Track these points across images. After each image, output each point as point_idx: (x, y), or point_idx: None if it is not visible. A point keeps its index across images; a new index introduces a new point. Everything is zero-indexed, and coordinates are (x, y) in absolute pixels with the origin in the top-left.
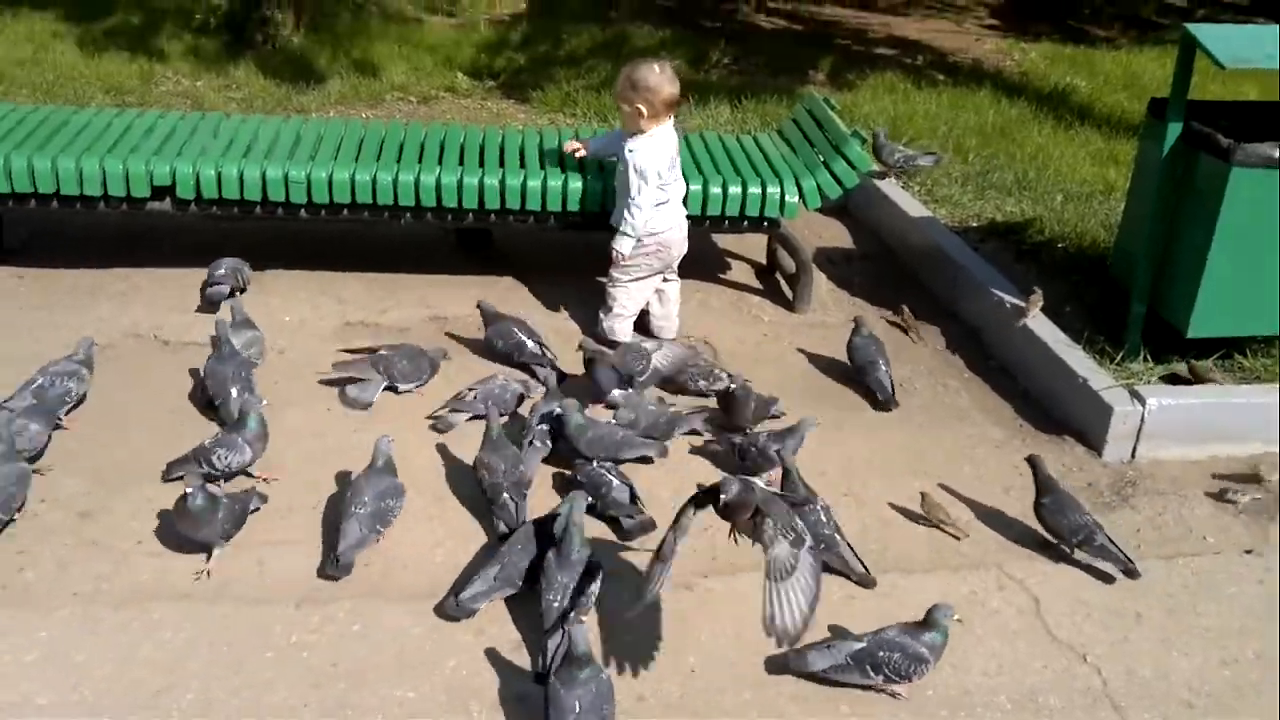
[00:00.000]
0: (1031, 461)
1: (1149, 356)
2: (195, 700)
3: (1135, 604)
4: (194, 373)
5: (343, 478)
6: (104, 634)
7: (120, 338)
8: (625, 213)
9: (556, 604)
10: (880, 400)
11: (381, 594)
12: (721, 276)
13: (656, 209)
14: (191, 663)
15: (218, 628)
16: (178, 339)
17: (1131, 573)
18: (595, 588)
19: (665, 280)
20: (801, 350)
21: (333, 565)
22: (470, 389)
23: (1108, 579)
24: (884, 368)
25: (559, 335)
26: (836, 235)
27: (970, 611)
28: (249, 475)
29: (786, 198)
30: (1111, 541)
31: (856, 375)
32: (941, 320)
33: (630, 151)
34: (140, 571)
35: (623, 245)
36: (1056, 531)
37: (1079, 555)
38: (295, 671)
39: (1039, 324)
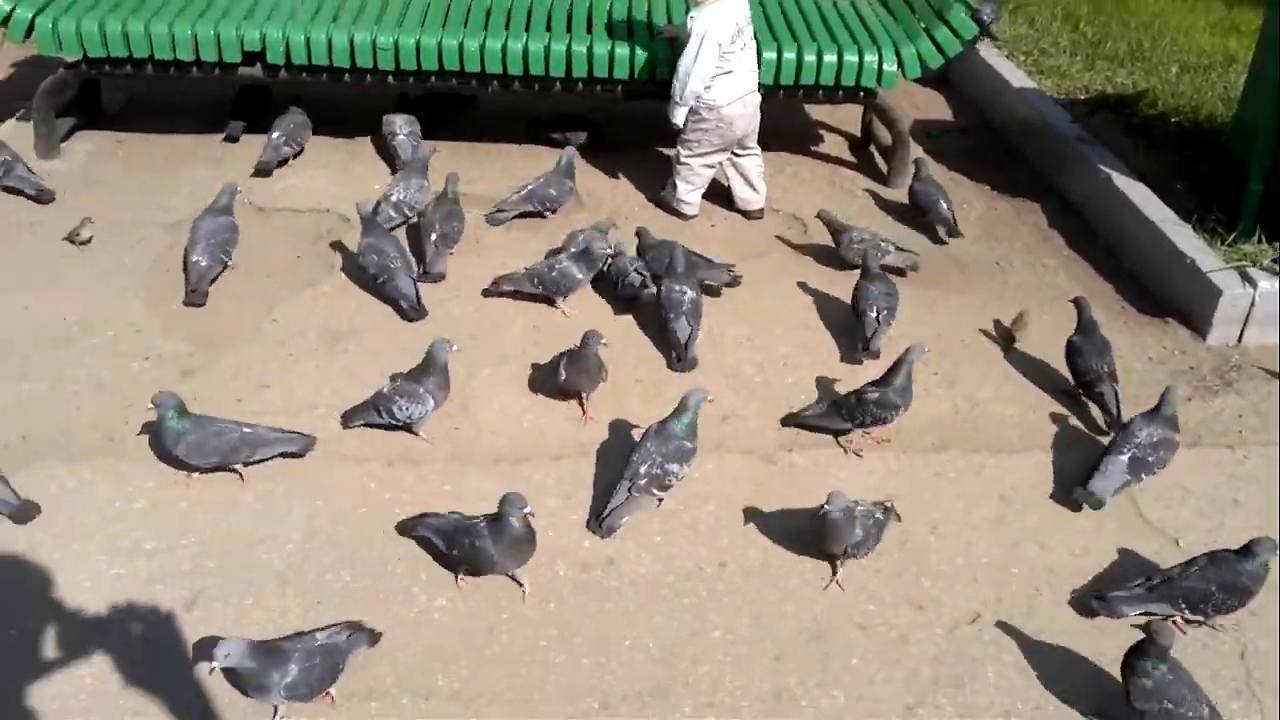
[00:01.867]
0: (1077, 303)
1: (1264, 238)
2: (294, 550)
3: (1234, 491)
4: (287, 237)
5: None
6: (207, 485)
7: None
8: (675, 81)
9: (642, 469)
10: (944, 233)
11: (470, 458)
12: (814, 149)
13: (716, 80)
14: (291, 515)
15: (315, 483)
16: (271, 205)
17: (1113, 424)
18: (683, 469)
19: (737, 155)
20: (890, 225)
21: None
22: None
23: (1209, 463)
24: (945, 205)
25: (630, 205)
26: (934, 106)
27: (1062, 491)
28: (411, 432)
29: (885, 66)
30: (1116, 396)
31: (921, 217)
32: (1042, 196)
33: (691, 19)
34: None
35: (675, 115)
36: (1072, 368)
37: (1083, 398)
38: (388, 527)
39: (1147, 202)
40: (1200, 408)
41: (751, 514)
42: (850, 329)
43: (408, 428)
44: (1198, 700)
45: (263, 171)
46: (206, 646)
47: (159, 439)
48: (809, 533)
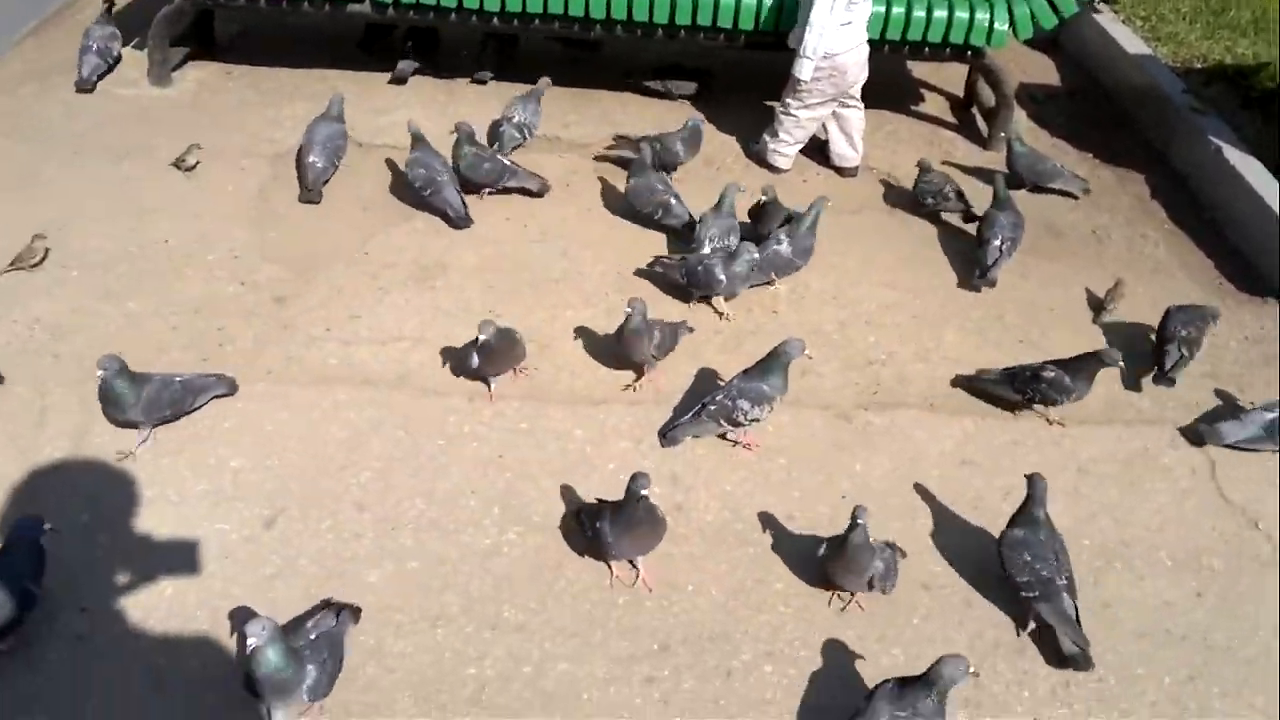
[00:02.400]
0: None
1: None
2: (373, 478)
3: None
4: (384, 173)
5: (518, 270)
6: (293, 410)
7: None
8: (805, 33)
9: (717, 398)
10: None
11: (550, 396)
12: (914, 108)
13: (839, 30)
14: (372, 443)
15: (397, 413)
16: (370, 140)
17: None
18: (757, 410)
19: (842, 108)
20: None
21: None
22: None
23: None
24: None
25: (724, 156)
26: (1042, 70)
27: (1141, 467)
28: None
29: (995, 25)
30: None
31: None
32: (1148, 166)
33: None
34: (328, 356)
35: (802, 70)
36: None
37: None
38: (465, 460)
39: (1259, 177)
40: None
41: (823, 469)
42: (970, 258)
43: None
44: (1059, 567)
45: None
46: (240, 616)
47: (108, 403)
48: (821, 565)
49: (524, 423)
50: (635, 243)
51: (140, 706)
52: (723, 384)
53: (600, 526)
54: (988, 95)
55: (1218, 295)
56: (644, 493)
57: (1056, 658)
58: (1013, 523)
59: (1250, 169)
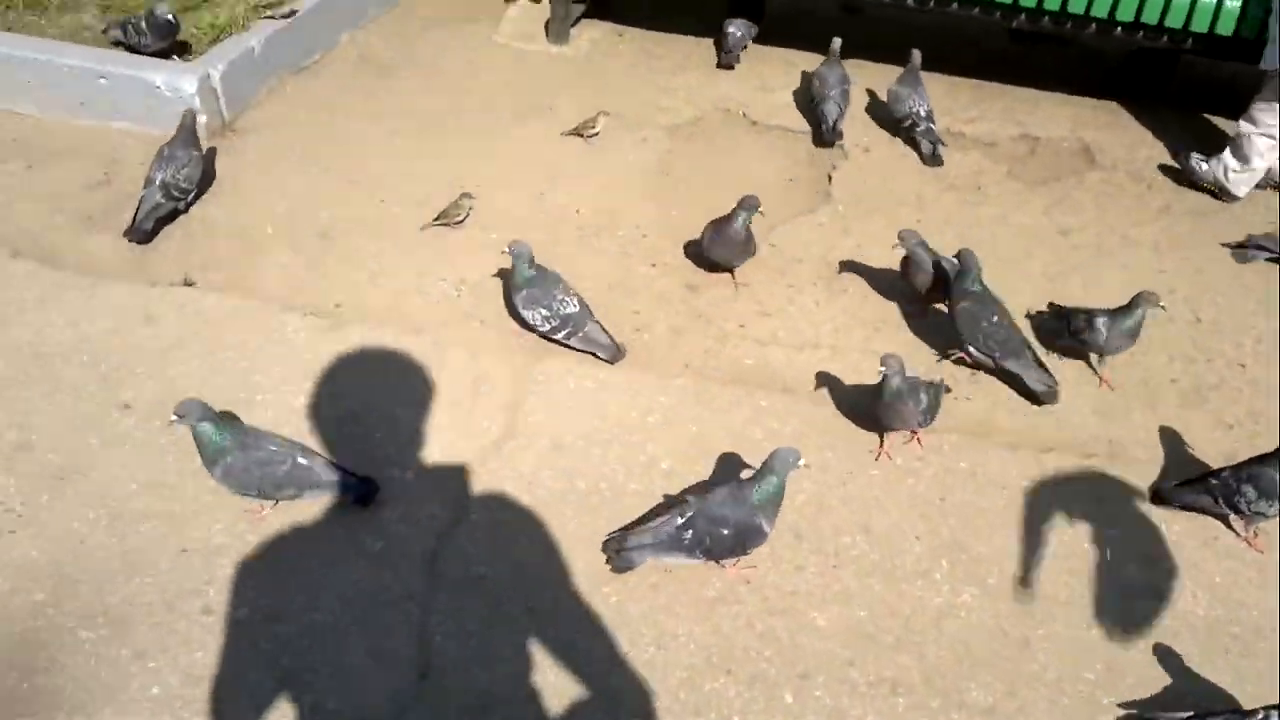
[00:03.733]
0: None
1: None
2: (806, 501)
3: None
4: (781, 158)
5: None
6: (715, 408)
7: (710, 110)
8: None
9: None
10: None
11: (991, 433)
12: None
13: None
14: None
15: (824, 431)
16: (764, 120)
17: None
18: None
19: None
20: None
21: None
22: None
23: None
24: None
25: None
26: None
27: None
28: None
29: None
30: None
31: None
32: None
33: None
34: (744, 355)
35: None
36: None
37: None
38: (902, 497)
39: None
40: None
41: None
42: None
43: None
44: (1001, 321)
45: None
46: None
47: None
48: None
49: (963, 462)
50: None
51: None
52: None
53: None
54: None
55: None
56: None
57: (1030, 399)
58: (959, 297)
59: None
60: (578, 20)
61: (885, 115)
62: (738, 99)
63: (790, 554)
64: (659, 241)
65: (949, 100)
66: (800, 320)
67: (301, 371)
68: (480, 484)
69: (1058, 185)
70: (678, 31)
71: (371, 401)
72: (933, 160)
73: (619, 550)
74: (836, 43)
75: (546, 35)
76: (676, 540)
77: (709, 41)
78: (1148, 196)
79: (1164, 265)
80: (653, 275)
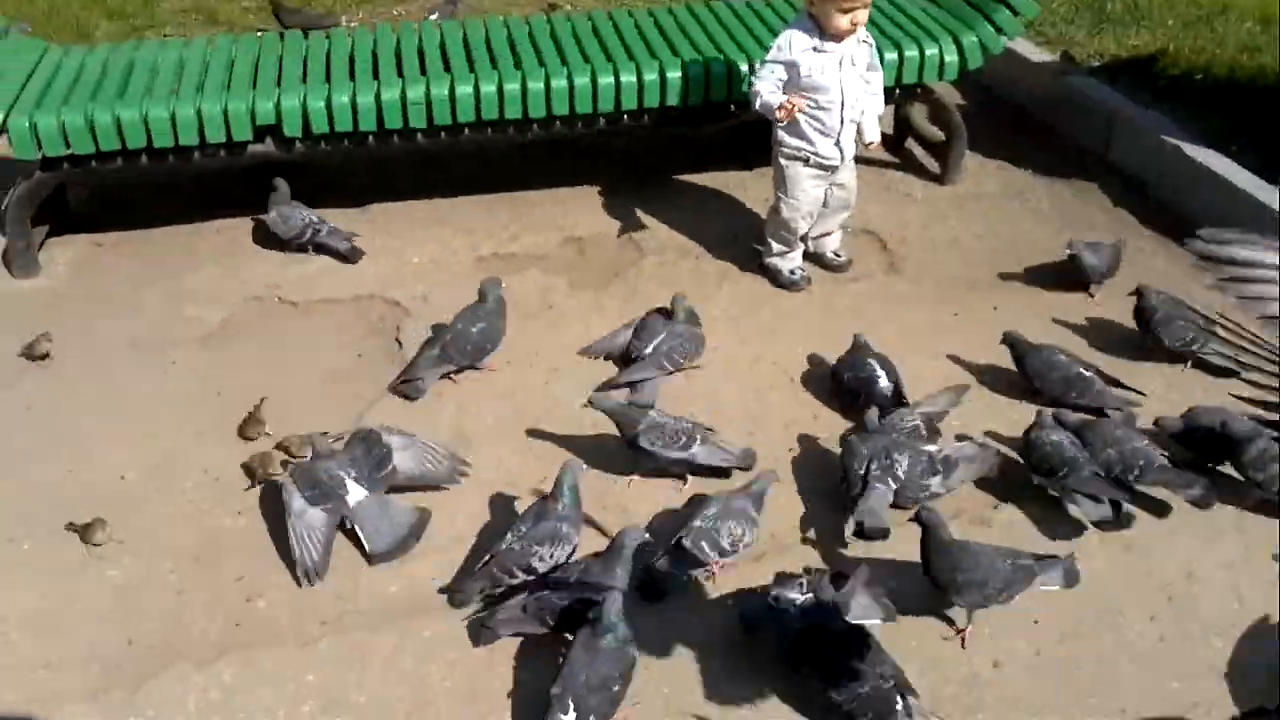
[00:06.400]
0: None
1: None
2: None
3: None
4: (336, 334)
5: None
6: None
7: (240, 302)
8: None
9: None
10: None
11: None
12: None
13: None
14: None
15: None
16: (305, 297)
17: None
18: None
19: None
20: (979, 230)
21: None
22: None
23: None
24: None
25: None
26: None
27: None
28: None
29: (946, 58)
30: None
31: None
32: (1096, 174)
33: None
34: None
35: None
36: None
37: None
38: None
39: (1223, 165)
40: None
41: None
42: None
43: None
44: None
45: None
46: None
47: None
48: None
49: None
50: None
51: None
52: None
53: None
54: (929, 129)
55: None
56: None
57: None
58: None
59: (1215, 161)
60: (43, 243)
61: None
62: (267, 282)
63: None
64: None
65: (489, 221)
66: None
67: None
68: None
69: (620, 280)
70: (166, 223)
71: None
72: None
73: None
74: None
75: (10, 270)
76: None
77: (211, 225)
78: (702, 266)
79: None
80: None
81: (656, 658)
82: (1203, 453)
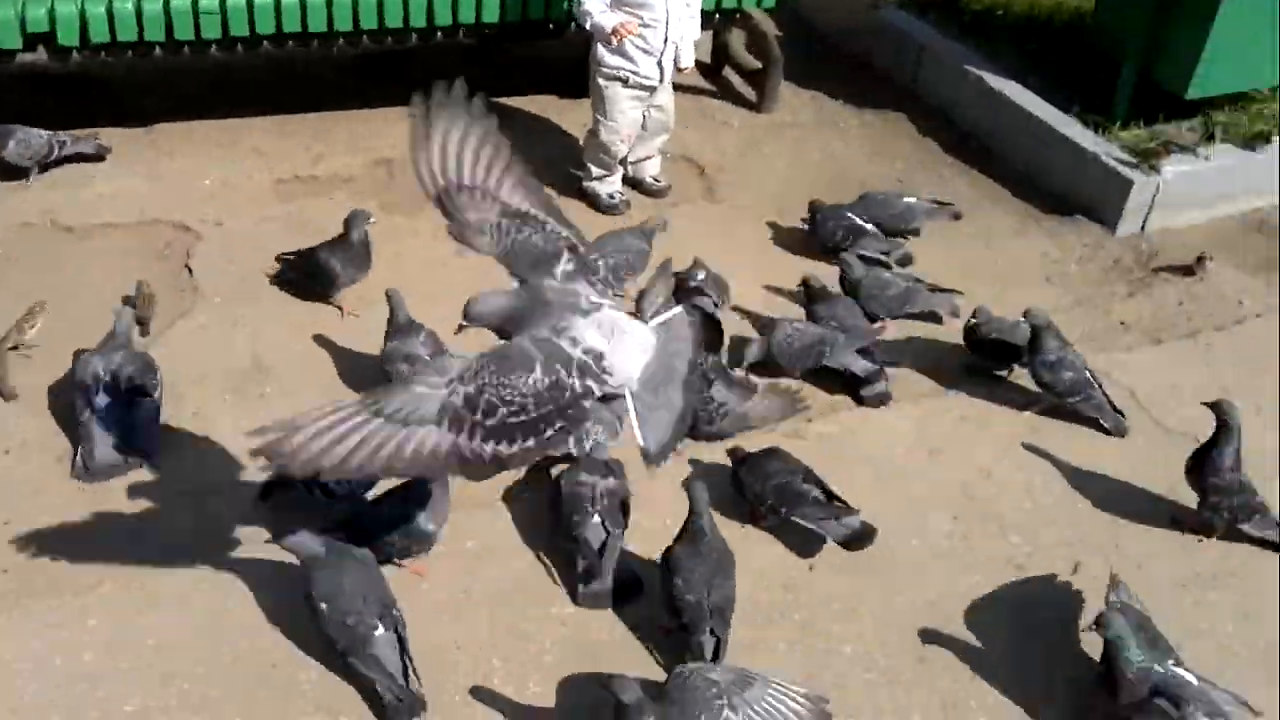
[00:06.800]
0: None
1: (1143, 123)
2: None
3: (1219, 378)
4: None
5: None
6: None
7: (12, 228)
8: None
9: None
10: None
11: None
12: None
13: None
14: None
15: None
16: (83, 222)
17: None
18: None
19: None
20: (793, 158)
21: None
22: None
23: (1181, 358)
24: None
25: None
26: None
27: None
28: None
29: None
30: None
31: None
32: (905, 104)
33: None
34: None
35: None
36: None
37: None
38: None
39: (1028, 99)
40: (1143, 304)
41: None
42: None
43: None
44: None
45: None
46: None
47: None
48: None
49: None
50: None
51: None
52: None
53: None
54: (746, 57)
55: (1031, 221)
56: None
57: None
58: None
59: (1016, 92)
60: None
61: None
62: (41, 207)
63: None
64: None
65: (287, 143)
66: None
67: None
68: None
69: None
70: None
71: None
72: None
73: None
74: None
75: None
76: None
77: None
78: None
79: None
80: None
81: None
82: (993, 357)
